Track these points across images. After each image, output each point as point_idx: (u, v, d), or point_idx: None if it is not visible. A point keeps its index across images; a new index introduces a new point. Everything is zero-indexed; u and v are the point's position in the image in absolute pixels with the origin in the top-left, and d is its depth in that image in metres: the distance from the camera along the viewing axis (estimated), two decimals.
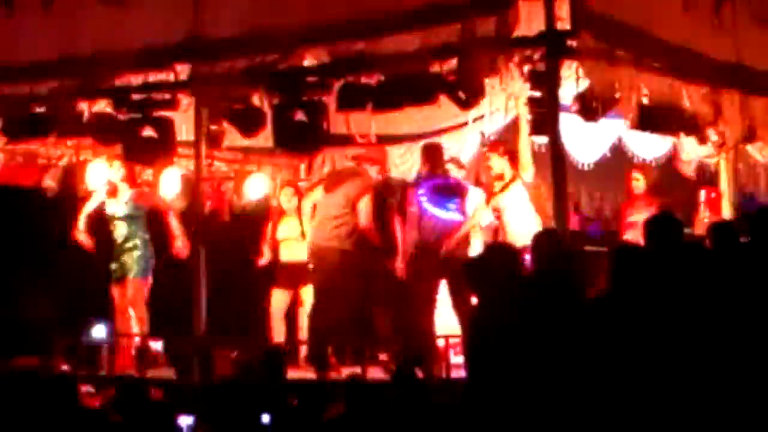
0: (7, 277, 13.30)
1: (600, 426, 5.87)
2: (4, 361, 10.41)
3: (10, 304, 12.86)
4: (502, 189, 10.96)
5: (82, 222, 11.98)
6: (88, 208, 12.07)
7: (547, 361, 5.99)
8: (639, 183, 11.63)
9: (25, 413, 7.88)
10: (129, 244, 11.78)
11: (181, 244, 11.75)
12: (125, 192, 11.91)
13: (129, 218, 11.84)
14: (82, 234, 11.94)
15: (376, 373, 10.18)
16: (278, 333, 11.73)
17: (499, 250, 6.92)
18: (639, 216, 11.12)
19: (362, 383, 8.39)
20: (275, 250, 12.14)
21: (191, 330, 10.60)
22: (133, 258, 11.74)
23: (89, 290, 12.32)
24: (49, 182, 12.69)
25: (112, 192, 11.94)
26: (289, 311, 11.95)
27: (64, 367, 10.91)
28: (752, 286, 6.22)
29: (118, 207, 11.89)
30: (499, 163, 11.03)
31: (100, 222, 12.05)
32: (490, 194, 11.03)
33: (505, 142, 11.09)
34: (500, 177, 11.02)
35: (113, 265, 11.83)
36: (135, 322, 11.70)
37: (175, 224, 11.88)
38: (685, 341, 5.82)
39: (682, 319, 5.87)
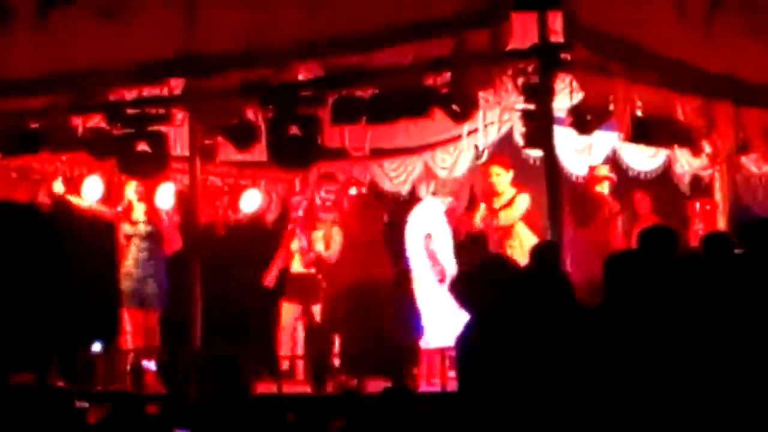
0: (2, 293, 13.26)
1: None
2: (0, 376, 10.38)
3: (5, 320, 12.81)
4: (504, 206, 11.01)
5: None
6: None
7: (543, 372, 5.99)
8: None
9: (21, 429, 7.87)
10: (148, 269, 11.76)
11: None
12: (141, 210, 11.90)
13: (149, 237, 11.82)
14: None
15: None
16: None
17: (495, 262, 6.91)
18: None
19: (360, 398, 8.37)
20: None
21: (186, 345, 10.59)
22: (154, 285, 11.71)
23: (86, 306, 12.28)
24: (44, 197, 12.64)
25: (128, 210, 11.92)
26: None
27: (60, 383, 10.87)
28: (748, 296, 6.23)
29: (135, 226, 11.85)
30: (503, 179, 11.05)
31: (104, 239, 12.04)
32: (491, 210, 11.08)
33: (507, 155, 11.01)
34: (499, 193, 11.07)
35: (129, 287, 11.75)
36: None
37: None
38: (683, 351, 5.82)
39: (679, 330, 5.87)
